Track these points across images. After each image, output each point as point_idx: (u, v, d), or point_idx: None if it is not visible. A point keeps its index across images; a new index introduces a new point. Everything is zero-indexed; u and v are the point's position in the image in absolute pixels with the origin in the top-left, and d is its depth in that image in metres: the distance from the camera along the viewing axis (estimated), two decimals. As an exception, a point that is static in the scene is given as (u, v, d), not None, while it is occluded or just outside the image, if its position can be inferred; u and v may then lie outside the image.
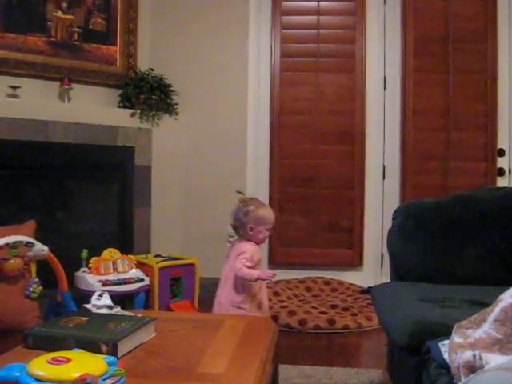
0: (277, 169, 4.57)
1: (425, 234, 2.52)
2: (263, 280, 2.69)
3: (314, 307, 3.82)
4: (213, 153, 4.56)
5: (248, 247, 2.76)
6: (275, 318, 3.56)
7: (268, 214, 2.79)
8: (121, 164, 4.14)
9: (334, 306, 3.86)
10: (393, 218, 2.64)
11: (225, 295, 2.75)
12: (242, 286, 2.71)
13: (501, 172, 4.45)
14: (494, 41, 4.43)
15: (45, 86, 3.97)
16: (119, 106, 4.30)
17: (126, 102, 4.28)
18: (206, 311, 3.38)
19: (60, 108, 3.90)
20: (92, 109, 4.05)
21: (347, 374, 2.77)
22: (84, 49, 4.16)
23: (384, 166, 4.58)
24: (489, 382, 1.00)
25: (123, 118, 4.17)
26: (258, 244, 2.79)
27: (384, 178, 4.58)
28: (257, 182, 4.58)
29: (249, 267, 2.68)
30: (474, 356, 1.39)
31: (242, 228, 2.79)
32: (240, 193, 2.91)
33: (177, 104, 4.45)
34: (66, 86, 3.98)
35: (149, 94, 4.26)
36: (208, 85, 4.56)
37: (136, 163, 4.20)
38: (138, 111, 4.24)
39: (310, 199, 4.57)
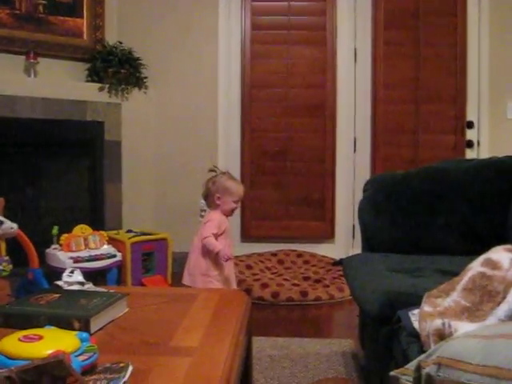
0: (248, 143, 4.55)
1: (395, 206, 2.54)
2: (219, 257, 2.74)
3: (286, 279, 3.86)
4: (183, 127, 4.52)
5: (214, 216, 2.84)
6: (248, 291, 3.58)
7: (235, 186, 2.86)
8: (90, 139, 4.09)
9: (306, 278, 3.90)
10: (363, 191, 2.66)
11: (193, 263, 2.83)
12: (209, 253, 2.77)
13: (469, 144, 4.50)
14: (463, 14, 4.44)
15: (10, 60, 3.88)
16: (87, 81, 4.23)
17: (95, 76, 4.21)
18: (178, 286, 3.40)
19: (26, 83, 3.82)
20: (59, 83, 3.97)
21: (319, 344, 2.81)
22: (50, 21, 4.06)
23: (355, 139, 4.60)
24: (457, 348, 1.02)
25: (92, 93, 4.10)
26: (225, 215, 2.84)
27: (355, 151, 4.61)
28: (228, 156, 4.56)
29: (215, 234, 2.76)
30: (444, 324, 1.42)
31: (210, 197, 2.88)
32: (214, 168, 2.94)
33: (146, 78, 4.39)
34: (32, 60, 3.89)
35: (117, 68, 4.19)
36: (177, 58, 4.51)
37: (106, 138, 4.14)
38: (107, 85, 4.17)
39: (281, 173, 4.58)
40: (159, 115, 4.51)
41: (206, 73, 4.51)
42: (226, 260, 2.77)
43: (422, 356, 1.15)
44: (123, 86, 4.24)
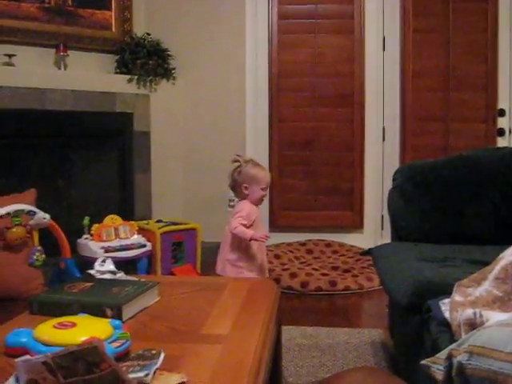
0: (276, 132, 4.55)
1: (425, 195, 2.52)
2: (256, 240, 2.72)
3: (315, 269, 3.86)
4: (211, 117, 4.54)
5: (244, 206, 2.81)
6: (277, 281, 3.60)
7: (261, 173, 2.82)
8: (119, 130, 4.13)
9: (335, 268, 3.89)
10: (393, 180, 2.64)
11: (224, 253, 2.82)
12: (238, 244, 2.76)
13: (501, 132, 4.43)
14: (494, 0, 4.36)
15: (40, 53, 3.93)
16: (116, 72, 4.27)
17: (123, 67, 4.25)
18: (208, 275, 3.42)
19: (56, 75, 3.87)
20: (89, 75, 4.01)
21: (348, 334, 2.81)
22: (79, 14, 4.11)
23: (384, 128, 4.57)
24: (489, 336, 1.01)
25: (120, 84, 4.14)
26: (254, 204, 2.82)
27: (384, 139, 4.57)
28: (256, 145, 4.57)
29: (245, 225, 2.75)
30: (475, 313, 1.41)
31: (237, 188, 2.85)
32: (237, 158, 2.92)
33: (174, 69, 4.42)
34: (61, 53, 3.94)
35: (146, 59, 4.22)
36: (205, 49, 4.52)
37: (135, 129, 4.18)
38: (136, 77, 4.20)
39: (309, 162, 4.57)
40: (187, 106, 4.53)
41: (233, 63, 4.51)
42: (266, 238, 2.72)
43: (453, 345, 1.15)
44: (151, 78, 4.27)
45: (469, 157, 2.60)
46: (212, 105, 4.53)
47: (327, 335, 2.80)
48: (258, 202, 2.86)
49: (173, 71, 4.41)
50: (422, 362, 1.22)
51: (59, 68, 3.96)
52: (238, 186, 2.86)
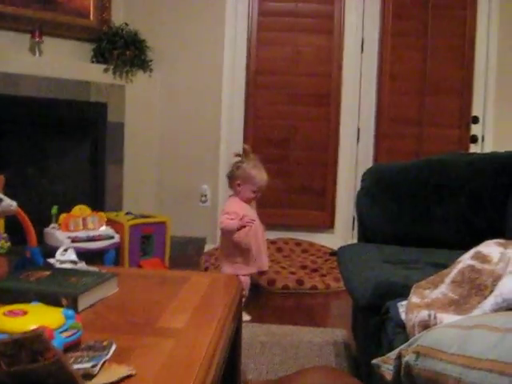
0: (251, 129, 4.55)
1: (392, 197, 2.54)
2: (244, 227, 2.74)
3: (283, 267, 3.86)
4: (187, 111, 4.52)
5: (231, 203, 2.86)
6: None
7: (258, 175, 2.86)
8: (93, 120, 4.10)
9: (303, 267, 3.90)
10: (361, 181, 2.65)
11: (220, 250, 2.83)
12: (230, 240, 2.78)
13: (474, 139, 4.48)
14: (473, 7, 4.41)
15: (15, 38, 3.88)
16: (92, 61, 4.23)
17: (100, 56, 4.21)
18: (176, 269, 3.40)
19: (31, 61, 3.82)
20: (64, 63, 3.97)
21: (312, 333, 2.82)
22: (56, 0, 4.05)
23: (358, 129, 4.59)
24: (436, 337, 1.02)
25: (96, 74, 4.10)
26: (244, 202, 2.82)
27: (358, 141, 4.59)
28: (231, 141, 4.56)
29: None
30: (430, 315, 1.42)
31: (232, 181, 2.90)
32: (240, 154, 2.94)
33: (151, 60, 4.39)
34: (37, 39, 3.88)
35: (123, 50, 4.19)
36: (183, 42, 4.50)
37: (109, 120, 4.15)
38: (112, 67, 4.17)
39: (284, 161, 4.58)
40: (163, 98, 4.51)
41: (210, 57, 4.49)
42: (252, 222, 2.72)
43: (404, 345, 1.16)
44: (128, 68, 4.23)
45: (437, 160, 2.62)
46: (188, 99, 4.51)
47: (291, 334, 2.81)
48: (247, 202, 2.87)
49: (150, 63, 4.38)
50: (373, 361, 1.23)
51: (34, 54, 3.90)
52: (232, 180, 2.89)
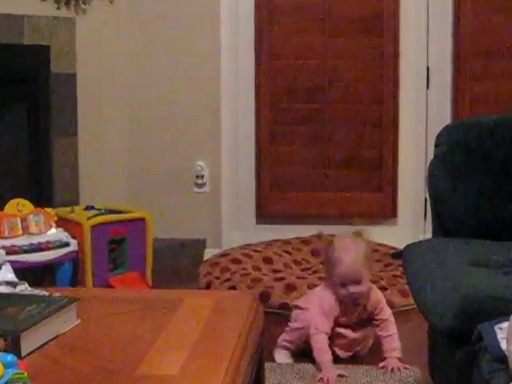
0: (266, 75, 4.55)
1: (483, 170, 2.54)
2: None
3: (322, 278, 3.87)
4: (169, 54, 4.52)
5: (324, 295, 3.04)
6: (265, 296, 3.62)
7: (340, 262, 2.95)
8: (30, 73, 4.10)
9: (353, 278, 3.91)
10: (435, 146, 2.65)
11: None
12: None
13: None
14: None
15: None
16: (25, -15, 4.24)
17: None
18: (162, 288, 3.42)
19: None
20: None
21: (371, 375, 2.83)
22: None
23: (428, 69, 4.57)
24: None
25: (31, 4, 4.10)
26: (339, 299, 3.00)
27: (428, 87, 4.58)
28: (237, 95, 4.56)
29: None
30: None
31: (329, 276, 3.09)
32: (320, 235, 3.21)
33: (113, -21, 4.40)
34: None
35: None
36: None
37: (53, 70, 4.15)
38: (55, -8, 4.17)
39: (317, 121, 4.58)
40: (133, 37, 4.51)
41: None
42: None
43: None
44: (78, -7, 4.24)
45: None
46: (171, 36, 4.51)
47: (339, 377, 2.82)
48: (341, 300, 3.00)
49: (111, -17, 4.39)
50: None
51: None
52: (330, 275, 3.07)
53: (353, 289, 2.95)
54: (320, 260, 4.25)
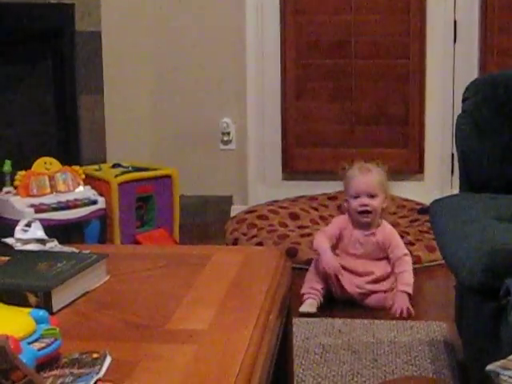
0: (291, 29, 4.53)
1: (508, 125, 2.52)
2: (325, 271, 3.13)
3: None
4: (196, 11, 4.50)
5: (334, 220, 3.37)
6: (292, 251, 3.63)
7: (356, 178, 3.18)
8: (55, 30, 4.10)
9: (379, 233, 3.91)
10: (462, 100, 2.63)
11: None
12: None
13: None
14: None
15: None
16: None
17: None
18: (189, 244, 3.44)
19: None
20: None
21: (396, 329, 2.85)
22: None
23: (455, 22, 4.52)
24: None
25: (56, -39, 4.09)
26: (353, 221, 3.21)
27: (455, 40, 4.54)
28: (262, 51, 4.54)
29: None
30: None
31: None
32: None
33: None
34: None
35: None
36: None
37: (78, 29, 4.15)
38: None
39: (342, 75, 4.56)
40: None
41: None
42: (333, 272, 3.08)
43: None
44: None
45: None
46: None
47: (364, 331, 2.84)
48: (354, 219, 3.19)
49: None
50: (489, 366, 1.24)
51: None
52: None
53: (365, 200, 3.13)
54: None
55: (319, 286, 3.13)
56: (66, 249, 1.88)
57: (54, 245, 1.91)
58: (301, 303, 3.09)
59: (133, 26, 4.45)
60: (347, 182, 3.21)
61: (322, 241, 3.19)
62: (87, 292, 1.64)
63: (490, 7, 4.43)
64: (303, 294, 3.12)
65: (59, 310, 1.52)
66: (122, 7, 4.37)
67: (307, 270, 3.31)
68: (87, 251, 1.83)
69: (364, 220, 3.17)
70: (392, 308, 3.02)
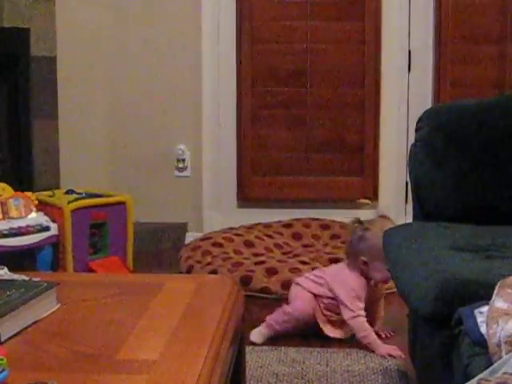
0: (247, 57, 4.54)
1: (462, 154, 2.54)
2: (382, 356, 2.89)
3: (304, 262, 3.88)
4: (151, 38, 4.51)
5: (351, 277, 3.02)
6: (246, 279, 3.63)
7: (371, 236, 2.97)
8: (9, 56, 4.08)
9: (334, 261, 3.90)
10: (416, 130, 2.65)
11: None
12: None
13: None
14: None
15: None
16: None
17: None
18: (143, 273, 3.41)
19: None
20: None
21: (350, 359, 2.84)
22: None
23: (410, 52, 4.57)
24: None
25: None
26: (370, 281, 3.03)
27: (410, 69, 4.58)
28: (218, 79, 4.54)
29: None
30: (523, 327, 1.43)
31: (353, 258, 3.05)
32: (358, 222, 3.08)
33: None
34: None
35: None
36: None
37: (33, 53, 4.13)
38: (34, -27, 4.15)
39: (299, 103, 4.58)
40: (114, 21, 4.50)
41: None
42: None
43: (485, 373, 1.17)
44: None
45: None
46: (151, 20, 4.51)
47: (318, 359, 2.83)
48: (376, 283, 3.04)
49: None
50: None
51: None
52: (354, 256, 3.04)
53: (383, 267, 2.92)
54: (300, 243, 4.28)
55: (280, 328, 3.07)
56: (16, 276, 1.86)
57: (3, 272, 1.89)
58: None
59: (88, 51, 4.44)
60: (371, 245, 2.96)
61: (369, 331, 2.98)
62: (37, 321, 1.62)
63: (444, 37, 4.48)
64: (267, 322, 3.08)
65: (7, 340, 1.50)
66: (77, 32, 4.36)
67: (261, 298, 3.29)
68: (37, 279, 1.81)
69: (376, 286, 3.10)
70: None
